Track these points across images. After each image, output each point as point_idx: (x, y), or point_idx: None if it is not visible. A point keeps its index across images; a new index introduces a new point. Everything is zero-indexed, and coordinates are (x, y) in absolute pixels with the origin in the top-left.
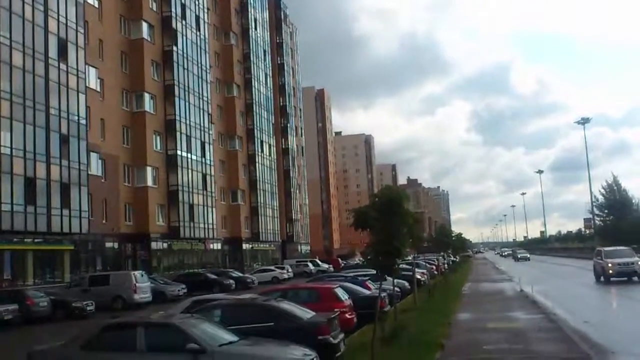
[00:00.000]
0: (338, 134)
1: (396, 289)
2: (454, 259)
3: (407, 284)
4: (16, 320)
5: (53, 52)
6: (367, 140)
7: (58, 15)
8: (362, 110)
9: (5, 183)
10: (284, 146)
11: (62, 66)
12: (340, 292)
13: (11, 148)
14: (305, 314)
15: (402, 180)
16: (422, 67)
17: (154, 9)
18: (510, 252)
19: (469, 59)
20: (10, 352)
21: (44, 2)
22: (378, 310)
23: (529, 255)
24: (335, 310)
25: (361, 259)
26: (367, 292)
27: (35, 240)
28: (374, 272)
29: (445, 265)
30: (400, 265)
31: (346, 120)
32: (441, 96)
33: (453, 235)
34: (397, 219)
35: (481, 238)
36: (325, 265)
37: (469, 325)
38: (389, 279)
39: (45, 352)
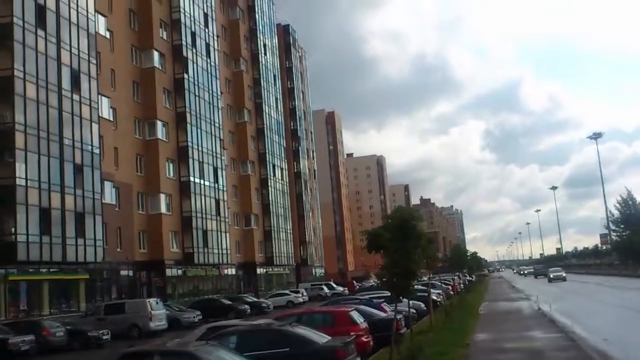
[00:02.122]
0: (350, 155)
1: (412, 310)
2: (470, 279)
3: (423, 305)
4: (33, 350)
5: (66, 83)
6: (379, 161)
7: (70, 46)
8: (374, 131)
9: (20, 214)
10: (296, 169)
11: (75, 97)
12: (355, 315)
13: (26, 179)
14: (321, 338)
15: (415, 201)
16: (433, 87)
17: (165, 37)
18: (532, 270)
19: (480, 77)
20: None
21: (57, 35)
22: (394, 332)
23: (564, 274)
24: (351, 333)
25: (376, 280)
26: (382, 314)
27: (51, 270)
28: (389, 294)
29: (461, 285)
30: (416, 286)
31: (359, 141)
32: (453, 115)
33: (468, 254)
34: (410, 240)
35: (497, 257)
36: (340, 288)
37: (487, 345)
38: (405, 300)
39: None
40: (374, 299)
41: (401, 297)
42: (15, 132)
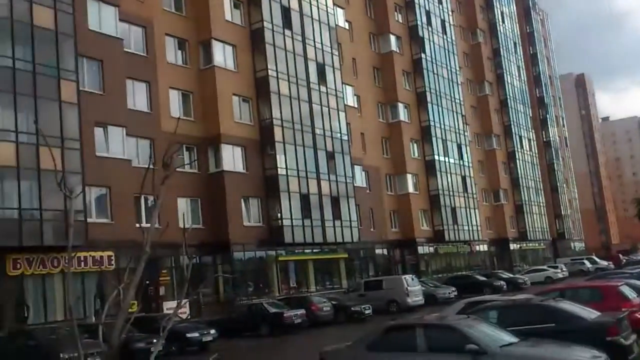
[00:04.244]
0: (605, 119)
1: None
2: None
3: None
4: (304, 324)
5: (313, 76)
6: None
7: (314, 42)
8: (636, 89)
9: (284, 200)
10: (544, 139)
11: (322, 89)
12: (626, 290)
13: (286, 168)
14: (589, 314)
15: None
16: None
17: (400, 20)
18: None
19: None
20: (303, 352)
21: (302, 33)
22: None
23: None
24: (623, 309)
25: None
26: None
27: (314, 251)
28: None
29: None
30: None
31: (618, 103)
32: None
33: None
34: None
35: None
36: (604, 262)
37: None
38: None
39: (335, 352)
40: None
41: None
42: (274, 127)
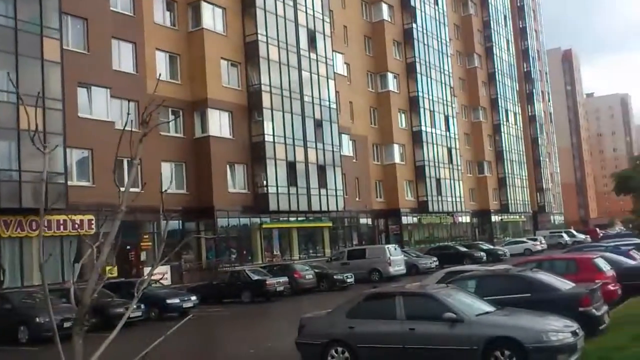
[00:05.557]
0: (590, 95)
1: None
2: None
3: None
4: (286, 291)
5: (303, 43)
6: (624, 100)
7: (306, 7)
8: (617, 68)
9: (270, 167)
10: (530, 113)
11: (312, 56)
12: (601, 263)
13: (273, 135)
14: (564, 284)
15: None
16: None
17: None
18: None
19: None
20: (284, 319)
21: None
22: None
23: None
24: (597, 281)
25: (622, 228)
26: (632, 262)
27: (298, 219)
28: None
29: None
30: None
31: (602, 80)
32: None
33: None
34: None
35: None
36: (582, 236)
37: None
38: None
39: (315, 319)
40: (621, 246)
41: None
42: (262, 93)
